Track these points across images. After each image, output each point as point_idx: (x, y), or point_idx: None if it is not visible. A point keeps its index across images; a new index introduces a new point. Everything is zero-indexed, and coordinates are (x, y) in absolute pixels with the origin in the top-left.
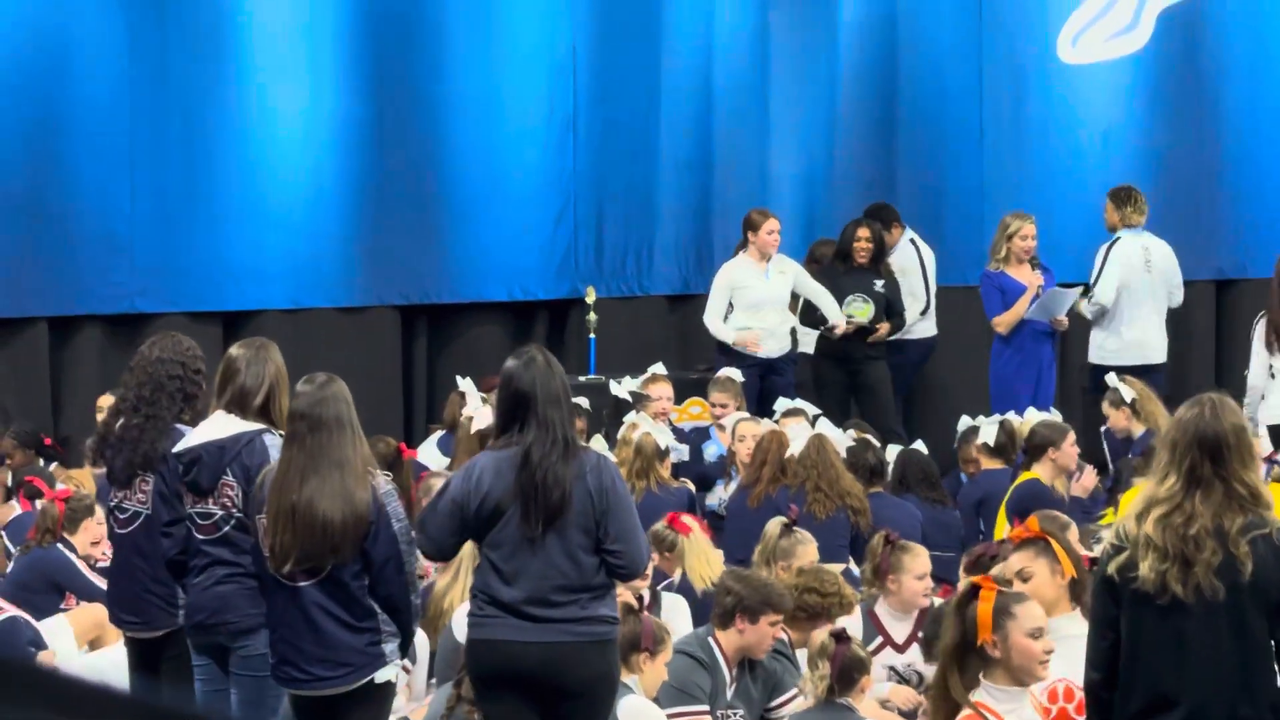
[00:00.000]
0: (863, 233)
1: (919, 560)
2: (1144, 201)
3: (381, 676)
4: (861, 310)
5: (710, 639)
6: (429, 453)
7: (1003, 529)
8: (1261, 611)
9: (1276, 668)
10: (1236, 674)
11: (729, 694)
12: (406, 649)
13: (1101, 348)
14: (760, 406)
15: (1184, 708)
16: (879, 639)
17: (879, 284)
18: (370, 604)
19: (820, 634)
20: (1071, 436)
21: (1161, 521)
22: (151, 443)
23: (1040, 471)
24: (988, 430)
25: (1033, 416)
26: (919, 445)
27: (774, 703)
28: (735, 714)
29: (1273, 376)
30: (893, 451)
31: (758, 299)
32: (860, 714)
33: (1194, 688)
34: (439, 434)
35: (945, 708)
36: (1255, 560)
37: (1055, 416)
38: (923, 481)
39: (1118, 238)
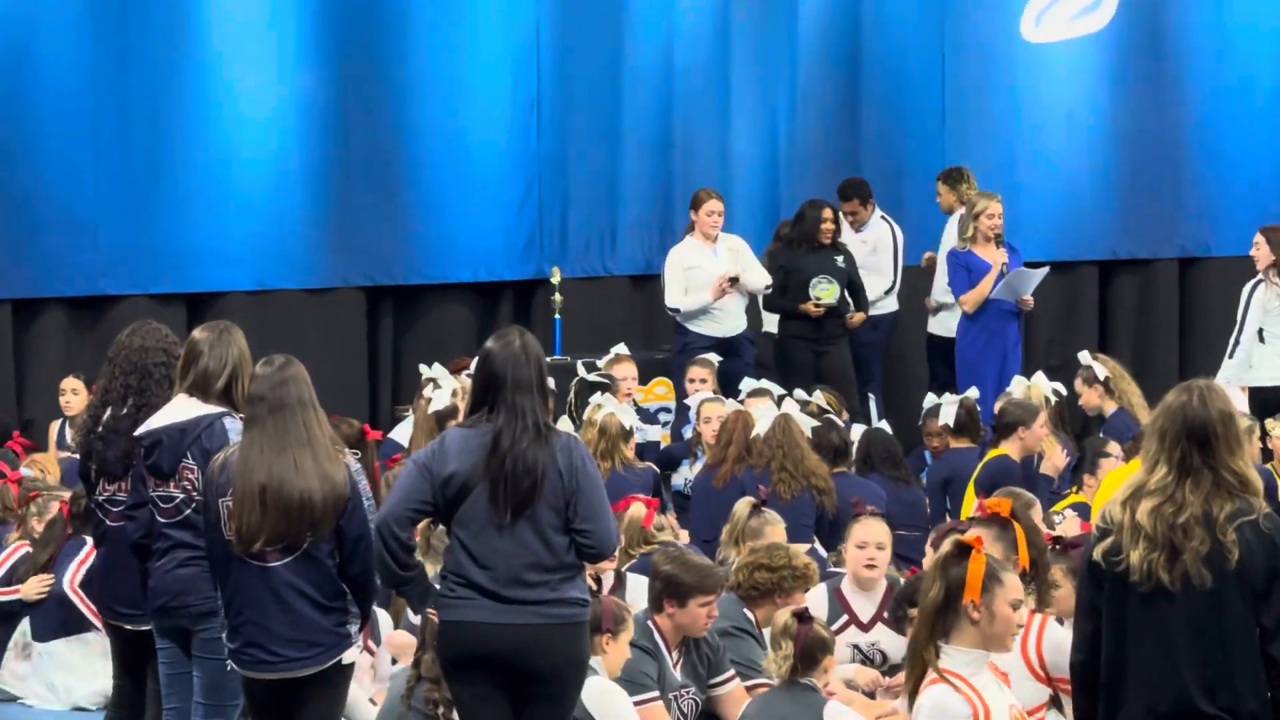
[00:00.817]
0: (826, 214)
1: (864, 529)
2: (975, 179)
3: (347, 658)
4: (828, 291)
5: (649, 623)
6: (405, 432)
7: (970, 506)
8: (1246, 598)
9: (1258, 652)
10: (1220, 660)
11: (677, 675)
12: (362, 630)
13: None
14: (720, 387)
15: (1167, 694)
16: (844, 617)
17: (839, 260)
18: (340, 584)
19: (783, 614)
20: (1043, 417)
21: (1153, 511)
22: None
23: (1009, 449)
24: (947, 410)
25: (1017, 387)
26: (883, 425)
27: (714, 679)
28: (687, 693)
29: (1262, 341)
30: (856, 431)
31: (709, 278)
32: (824, 694)
33: (1177, 674)
34: (412, 416)
35: (919, 669)
36: (1241, 548)
37: (1039, 392)
38: (887, 460)
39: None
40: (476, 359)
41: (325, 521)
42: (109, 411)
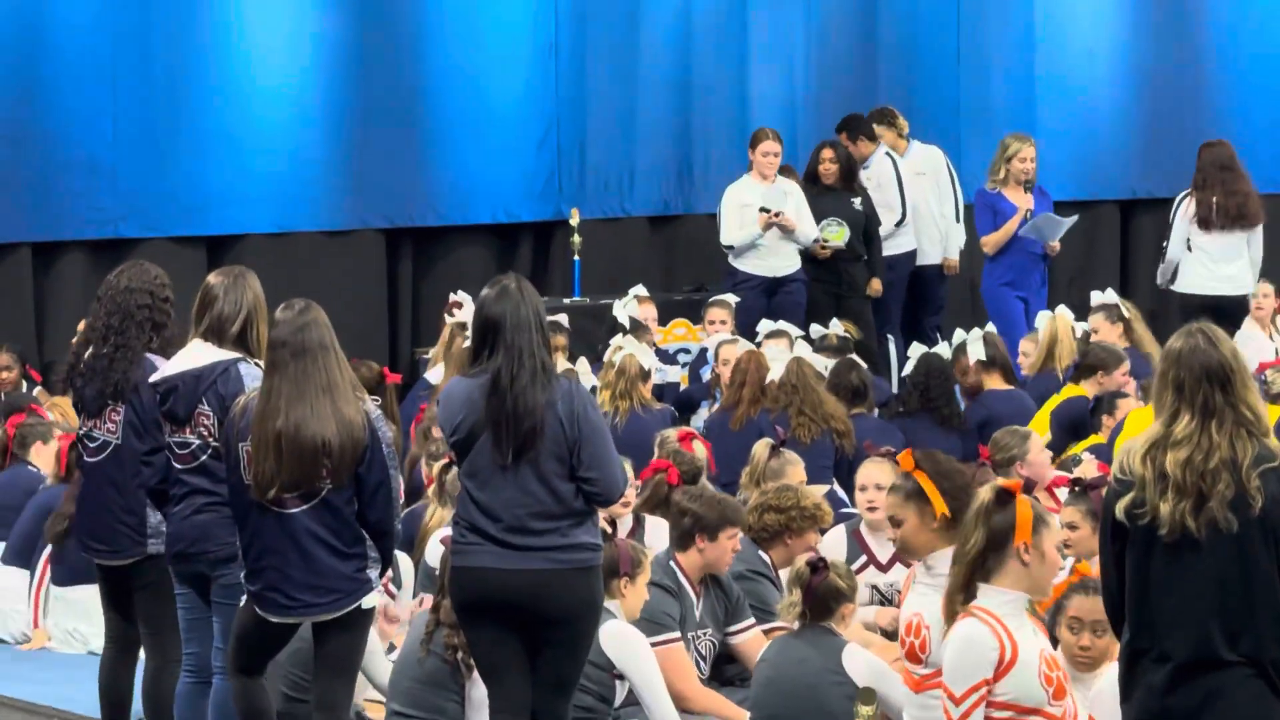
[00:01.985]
0: (826, 154)
1: (863, 470)
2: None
3: (367, 603)
4: (836, 234)
5: (671, 563)
6: (437, 374)
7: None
8: (1269, 546)
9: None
10: (1242, 608)
11: (697, 614)
12: (383, 575)
13: None
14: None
15: (1189, 642)
16: (863, 558)
17: (856, 203)
18: (359, 530)
19: (799, 560)
20: (1126, 366)
21: (1184, 462)
22: (122, 372)
23: (1087, 389)
24: (974, 347)
25: (1041, 320)
26: (941, 349)
27: (732, 628)
28: (705, 634)
29: (1189, 250)
30: (916, 351)
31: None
32: (844, 638)
33: (1199, 622)
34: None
35: (954, 615)
36: (1266, 496)
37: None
38: (941, 394)
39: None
40: (474, 307)
41: (343, 468)
42: (90, 350)
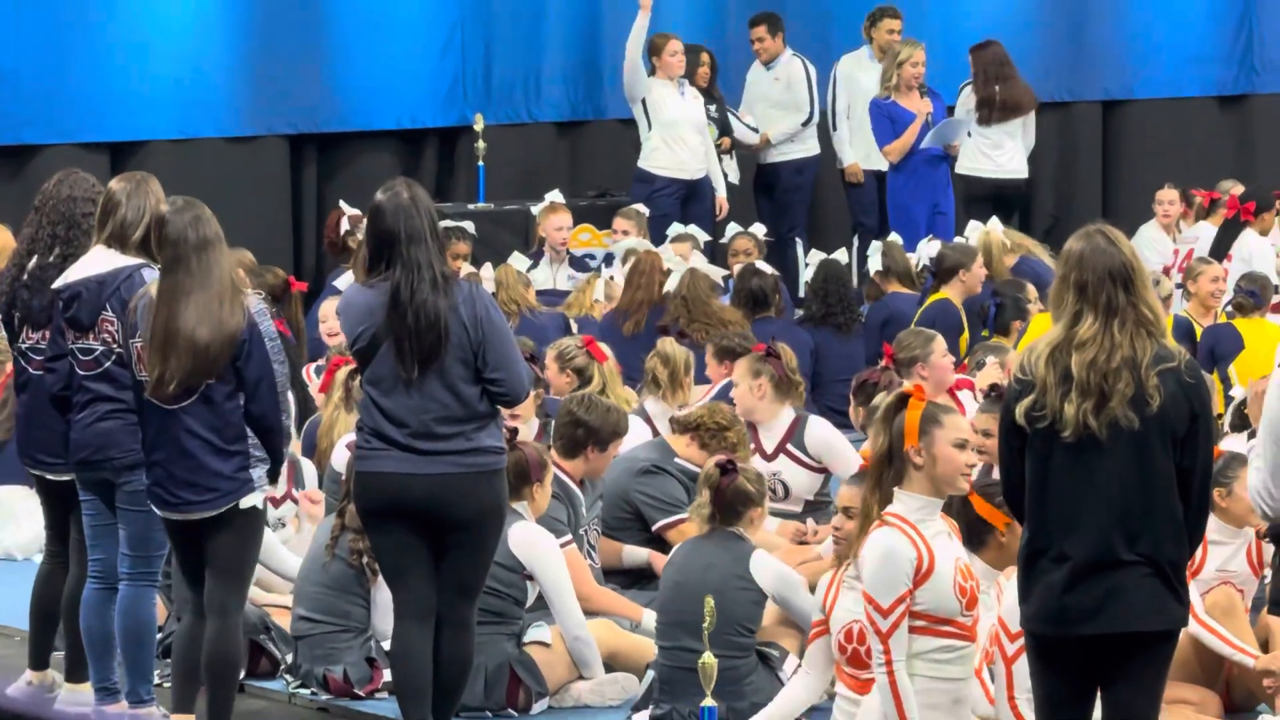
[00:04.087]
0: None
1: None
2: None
3: (247, 502)
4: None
5: (553, 467)
6: (346, 279)
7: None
8: (1166, 445)
9: (1177, 500)
10: (1141, 508)
11: (583, 511)
12: (276, 474)
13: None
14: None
15: (1087, 542)
16: (750, 444)
17: (711, 109)
18: (242, 427)
19: (709, 462)
20: (980, 258)
21: (1088, 362)
22: None
23: (950, 293)
24: (874, 259)
25: (924, 250)
26: (840, 255)
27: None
28: (593, 529)
29: (969, 135)
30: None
31: (672, 118)
32: (752, 544)
33: (1098, 523)
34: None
35: (868, 522)
36: (1165, 395)
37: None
38: (838, 299)
39: None
40: (367, 214)
41: (219, 364)
42: (35, 260)
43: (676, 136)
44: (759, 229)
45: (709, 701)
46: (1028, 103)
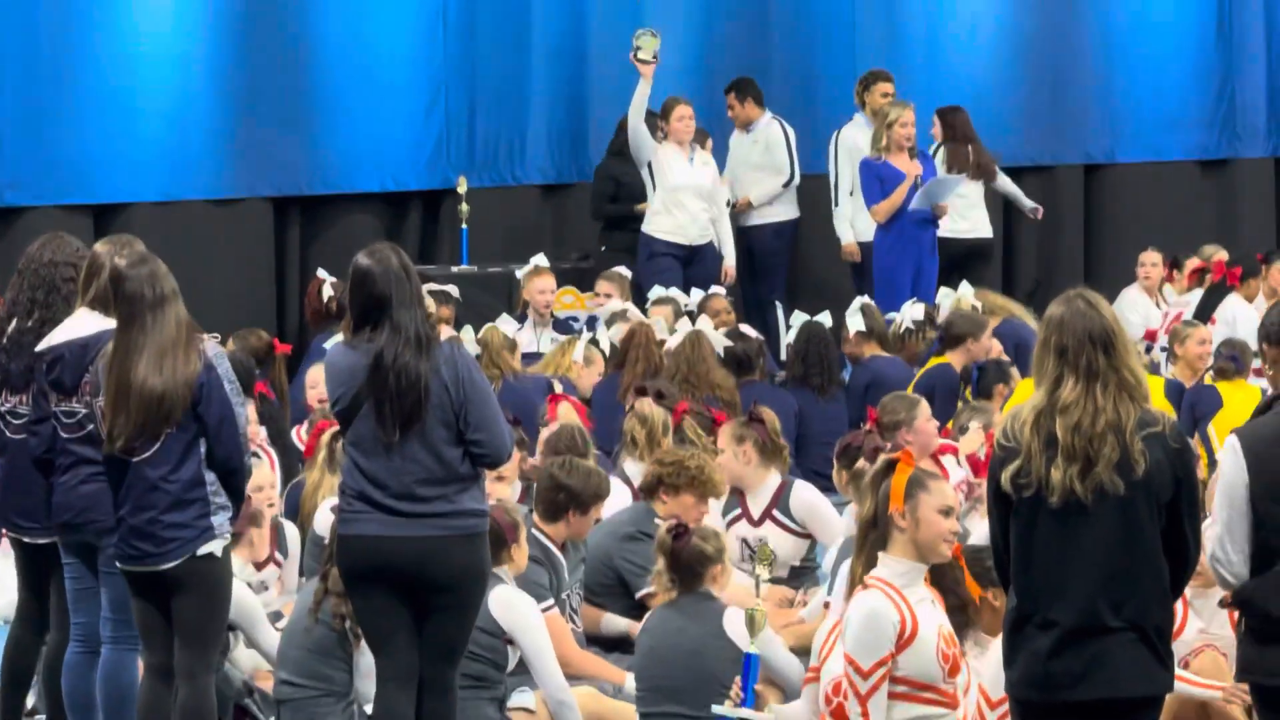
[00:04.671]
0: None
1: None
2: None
3: (205, 549)
4: (651, 43)
5: (536, 532)
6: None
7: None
8: (1152, 508)
9: (1164, 565)
10: (1126, 573)
11: (565, 576)
12: (236, 516)
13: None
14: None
15: (1074, 609)
16: (738, 509)
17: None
18: (200, 474)
19: (661, 529)
20: (990, 328)
21: (1072, 427)
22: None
23: (953, 358)
24: (853, 319)
25: (908, 312)
26: (823, 318)
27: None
28: (576, 593)
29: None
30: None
31: (675, 183)
32: (722, 602)
33: (1084, 589)
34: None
35: (853, 584)
36: (1150, 460)
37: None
38: (818, 362)
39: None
40: (350, 276)
41: (174, 411)
42: (14, 324)
43: (678, 201)
44: (719, 290)
45: (752, 648)
46: (993, 167)
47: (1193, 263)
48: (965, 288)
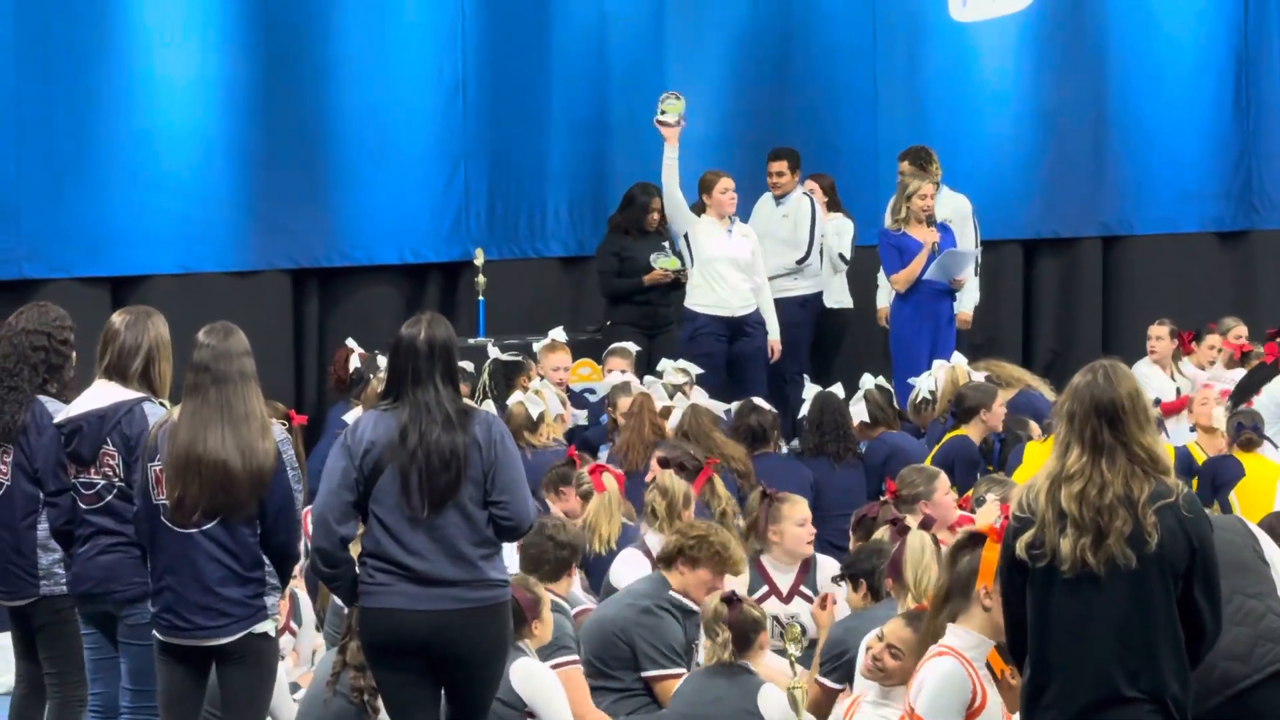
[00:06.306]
0: (655, 202)
1: (797, 508)
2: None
3: (261, 628)
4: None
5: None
6: (354, 414)
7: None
8: (1166, 580)
9: (1180, 635)
10: (1142, 644)
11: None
12: (280, 601)
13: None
14: (731, 370)
15: (1090, 680)
16: (765, 588)
17: (668, 246)
18: (259, 554)
19: (713, 599)
20: (1002, 397)
21: (1079, 496)
22: (11, 415)
23: (970, 431)
24: (857, 409)
25: (924, 383)
26: (836, 389)
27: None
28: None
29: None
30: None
31: (711, 255)
32: (759, 677)
33: (1100, 660)
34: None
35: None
36: (1163, 531)
37: (962, 373)
38: (834, 430)
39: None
40: (393, 344)
41: (251, 498)
42: None
43: (715, 274)
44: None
45: None
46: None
47: (1225, 340)
48: (957, 356)
